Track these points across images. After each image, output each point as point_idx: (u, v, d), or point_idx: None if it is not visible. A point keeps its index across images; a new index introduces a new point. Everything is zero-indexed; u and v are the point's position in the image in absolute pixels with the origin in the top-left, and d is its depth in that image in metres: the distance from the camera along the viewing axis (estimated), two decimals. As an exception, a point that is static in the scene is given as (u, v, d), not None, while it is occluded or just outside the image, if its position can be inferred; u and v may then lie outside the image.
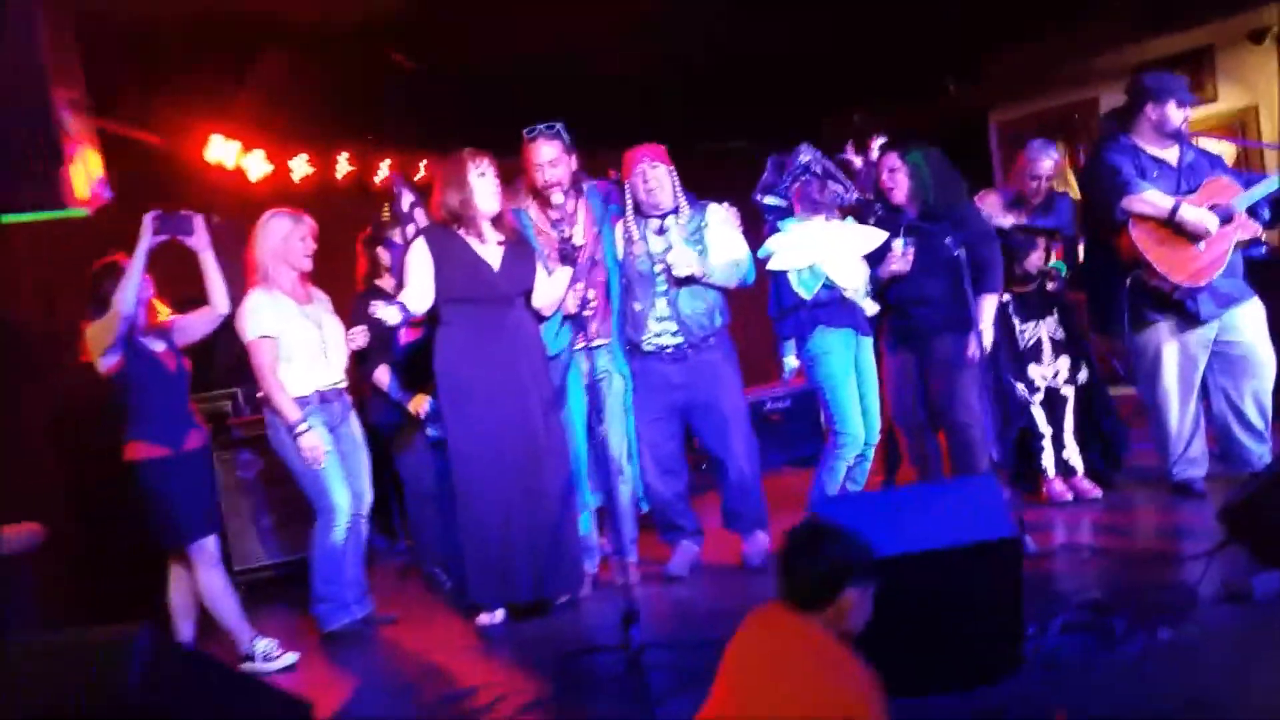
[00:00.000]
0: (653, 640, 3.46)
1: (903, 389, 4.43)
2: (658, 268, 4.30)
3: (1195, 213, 4.27)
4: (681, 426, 4.44)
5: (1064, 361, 4.74)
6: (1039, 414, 4.74)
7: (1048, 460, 4.77)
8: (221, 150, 6.14)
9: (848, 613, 2.22)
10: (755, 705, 2.14)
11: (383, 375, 4.70)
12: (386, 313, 3.92)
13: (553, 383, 4.21)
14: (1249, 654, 2.90)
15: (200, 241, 3.98)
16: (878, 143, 4.65)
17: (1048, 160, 4.78)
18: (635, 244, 4.31)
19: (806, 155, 4.37)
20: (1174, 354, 4.46)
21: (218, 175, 6.14)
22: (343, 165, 6.92)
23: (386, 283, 4.85)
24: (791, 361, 4.33)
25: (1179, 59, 7.64)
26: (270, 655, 4.05)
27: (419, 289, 4.03)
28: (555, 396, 4.20)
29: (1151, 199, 4.30)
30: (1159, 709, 2.64)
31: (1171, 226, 4.30)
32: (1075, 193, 5.18)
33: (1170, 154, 4.43)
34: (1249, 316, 4.40)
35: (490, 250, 4.11)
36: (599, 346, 4.37)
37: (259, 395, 4.27)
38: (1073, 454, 4.76)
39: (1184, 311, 4.38)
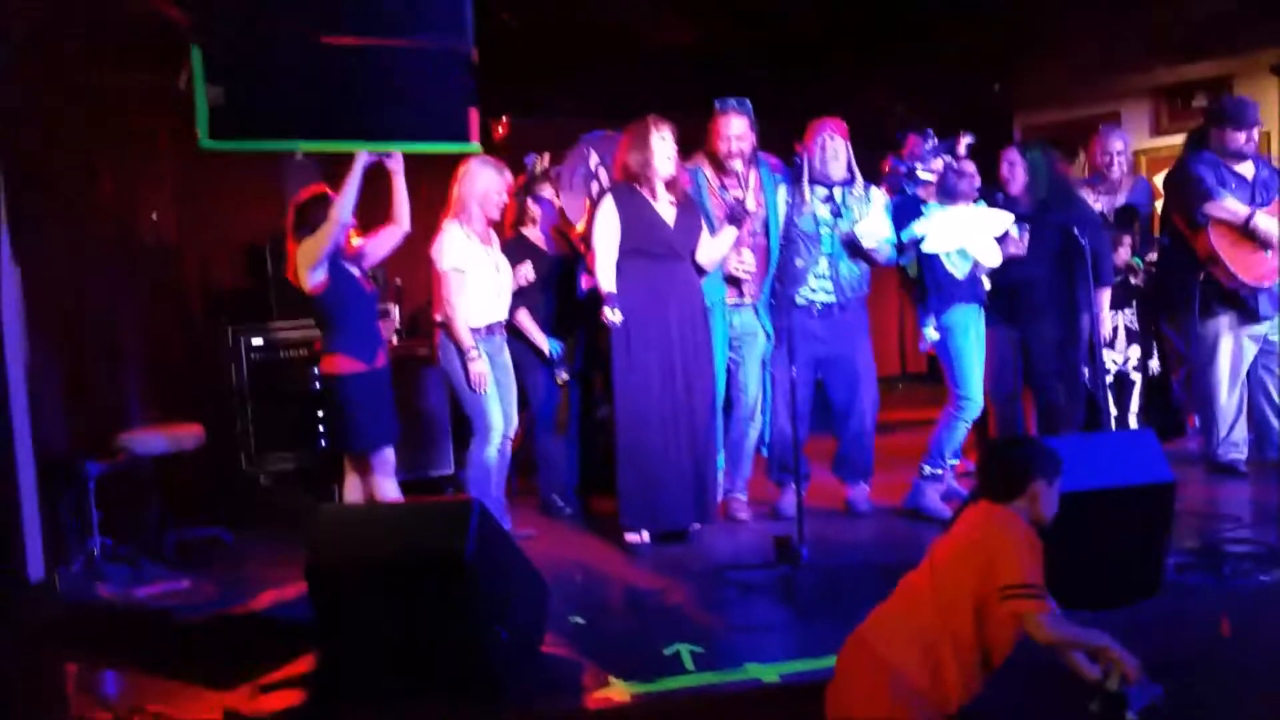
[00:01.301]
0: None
1: (1003, 363, 5.00)
2: (824, 230, 4.78)
3: (1267, 222, 4.90)
4: (815, 377, 4.94)
5: (1135, 350, 5.37)
6: (1107, 396, 5.35)
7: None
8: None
9: (1038, 502, 2.65)
10: (946, 567, 2.58)
11: (523, 318, 5.12)
12: (613, 316, 4.48)
13: (708, 333, 4.68)
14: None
15: (397, 162, 4.33)
16: (965, 140, 5.11)
17: (1118, 140, 5.45)
18: (805, 206, 4.78)
19: (932, 141, 4.86)
20: (1229, 344, 5.10)
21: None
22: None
23: (531, 232, 5.26)
24: (932, 333, 4.81)
25: (1199, 84, 8.37)
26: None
27: (608, 251, 4.49)
28: (709, 345, 4.68)
29: (1230, 206, 4.93)
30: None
31: (1244, 233, 4.93)
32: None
33: (1246, 169, 5.07)
34: None
35: (665, 208, 4.57)
36: (748, 305, 4.87)
37: (437, 319, 4.69)
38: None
39: (1245, 307, 5.03)
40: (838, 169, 4.79)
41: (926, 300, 4.83)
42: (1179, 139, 5.74)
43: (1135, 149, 6.82)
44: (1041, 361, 5.02)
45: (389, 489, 4.44)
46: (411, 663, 2.99)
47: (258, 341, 6.05)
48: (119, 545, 4.55)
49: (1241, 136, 5.03)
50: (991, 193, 4.94)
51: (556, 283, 5.23)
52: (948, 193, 4.78)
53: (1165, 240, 5.27)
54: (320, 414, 4.38)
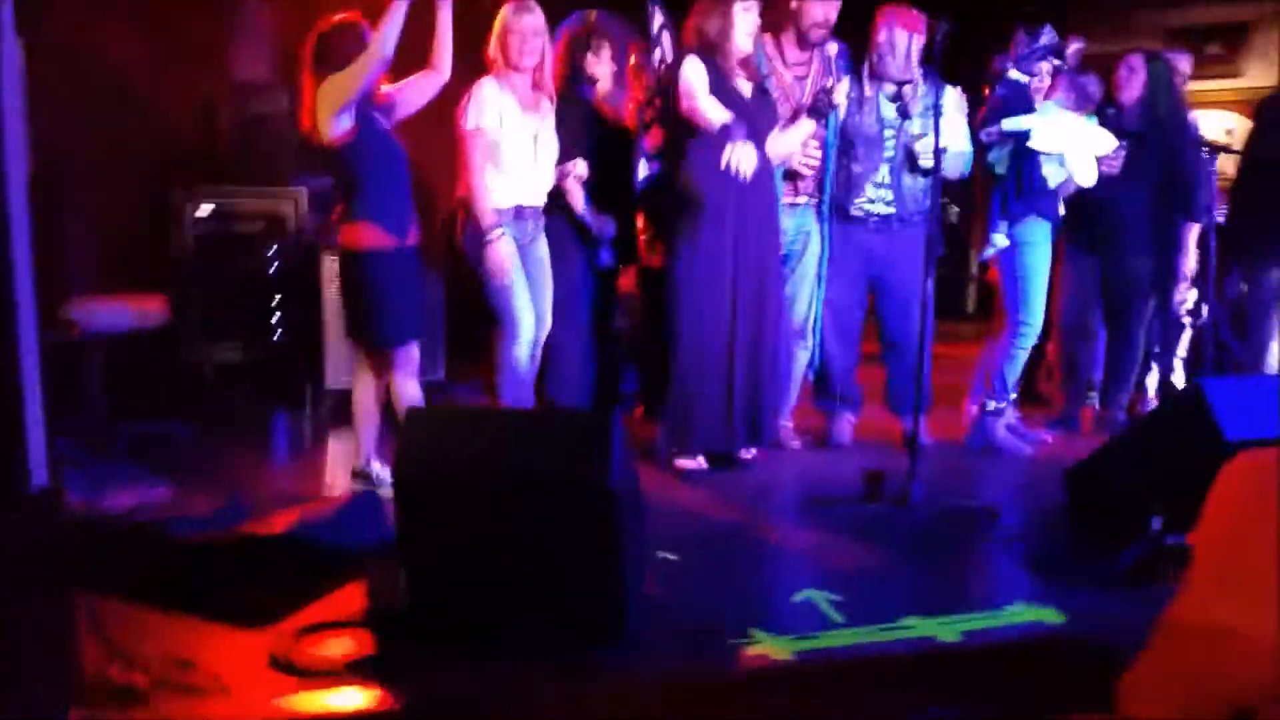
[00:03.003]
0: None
1: (1081, 294, 4.59)
2: (887, 133, 4.23)
3: None
4: (867, 297, 4.44)
5: (1193, 294, 5.01)
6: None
7: (1151, 380, 5.06)
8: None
9: None
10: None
11: (572, 185, 4.38)
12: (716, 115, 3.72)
13: (779, 231, 4.11)
14: None
15: None
16: (1075, 46, 4.66)
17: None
18: (865, 104, 4.21)
19: (1050, 38, 4.35)
20: None
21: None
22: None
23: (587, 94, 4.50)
24: (1002, 239, 4.34)
25: (1214, 29, 8.08)
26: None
27: (709, 99, 3.81)
28: (780, 245, 4.11)
29: None
30: None
31: None
32: None
33: None
34: None
35: (743, 85, 3.94)
36: (806, 205, 4.29)
37: (458, 195, 3.95)
38: (1179, 380, 5.08)
39: None
40: (895, 66, 4.21)
41: (1007, 203, 4.33)
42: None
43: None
44: (1121, 297, 4.61)
45: (411, 391, 3.75)
46: (522, 604, 2.40)
47: (205, 210, 5.23)
48: (64, 440, 3.77)
49: None
50: (1103, 108, 4.47)
51: (607, 165, 4.51)
52: (1073, 98, 4.29)
53: (1248, 179, 4.87)
54: (342, 295, 3.64)
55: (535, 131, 4.00)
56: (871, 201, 4.27)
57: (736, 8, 3.81)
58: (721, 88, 3.85)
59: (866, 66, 4.25)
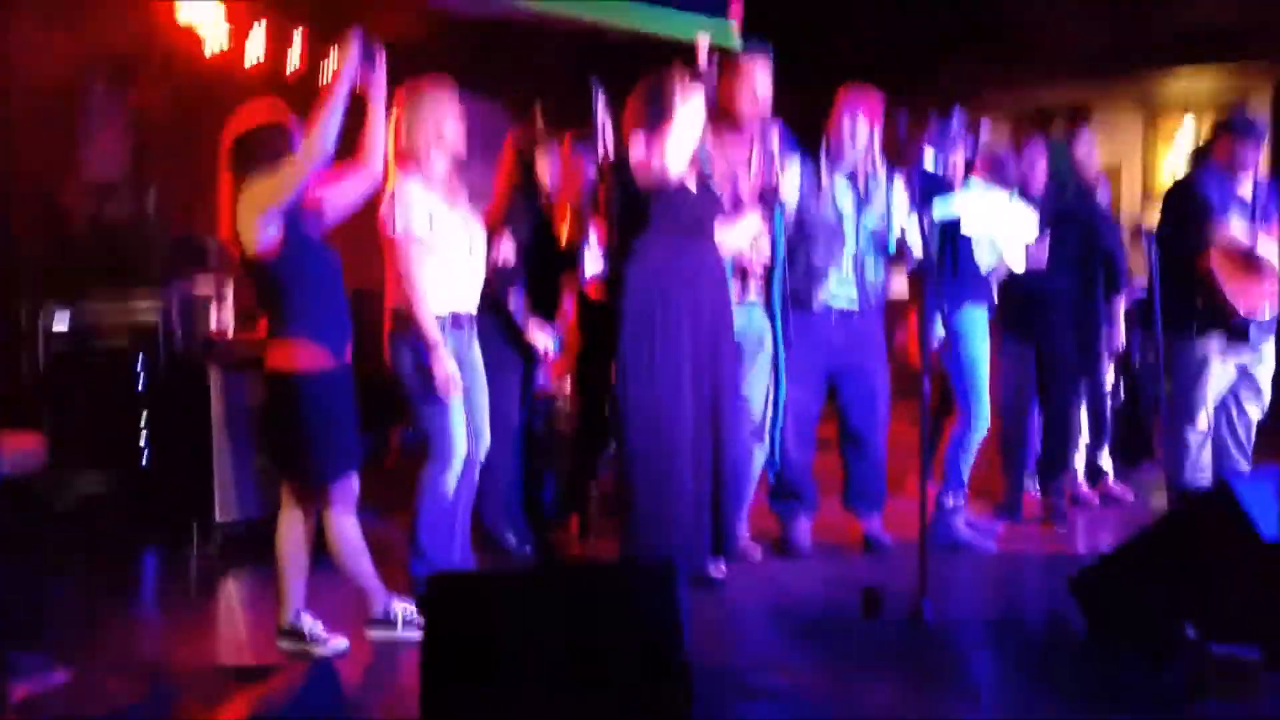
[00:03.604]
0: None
1: (1017, 379, 4.54)
2: (846, 224, 4.09)
3: (1268, 249, 4.73)
4: (825, 392, 4.26)
5: (1109, 372, 5.09)
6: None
7: (1078, 461, 5.08)
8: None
9: None
10: None
11: (515, 300, 4.07)
12: None
13: (732, 330, 3.88)
14: None
15: (380, 82, 3.24)
16: (984, 126, 4.68)
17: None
18: (823, 193, 4.07)
19: (961, 121, 4.33)
20: (1217, 367, 4.89)
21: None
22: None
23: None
24: (941, 331, 4.27)
25: (1059, 111, 8.53)
26: (414, 621, 3.37)
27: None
28: (736, 345, 3.88)
29: (1234, 231, 4.72)
30: None
31: (1244, 260, 4.74)
32: None
33: (1246, 190, 4.88)
34: (1274, 350, 4.96)
35: (689, 179, 3.72)
36: (755, 303, 4.09)
37: (393, 309, 3.55)
38: (1106, 462, 5.12)
39: (1237, 332, 4.84)
40: (854, 153, 4.11)
41: (946, 290, 4.27)
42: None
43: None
44: (1055, 379, 4.60)
45: (349, 529, 3.30)
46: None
47: (60, 322, 4.66)
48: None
49: (1249, 150, 4.84)
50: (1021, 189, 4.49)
51: (542, 257, 4.20)
52: (996, 178, 4.27)
53: (1156, 259, 4.97)
54: (276, 423, 3.15)
55: (466, 228, 3.67)
56: (835, 296, 4.11)
57: (677, 99, 3.60)
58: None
59: (823, 152, 4.11)
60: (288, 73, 5.89)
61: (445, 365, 3.47)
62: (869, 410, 4.23)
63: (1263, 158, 4.86)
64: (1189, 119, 8.29)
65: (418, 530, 3.64)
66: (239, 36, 5.64)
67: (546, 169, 4.15)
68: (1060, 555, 4.26)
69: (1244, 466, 4.88)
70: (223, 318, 4.91)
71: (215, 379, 4.48)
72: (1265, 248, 4.71)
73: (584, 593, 2.05)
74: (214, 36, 5.49)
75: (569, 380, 4.72)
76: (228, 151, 3.14)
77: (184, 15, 5.29)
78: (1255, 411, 4.91)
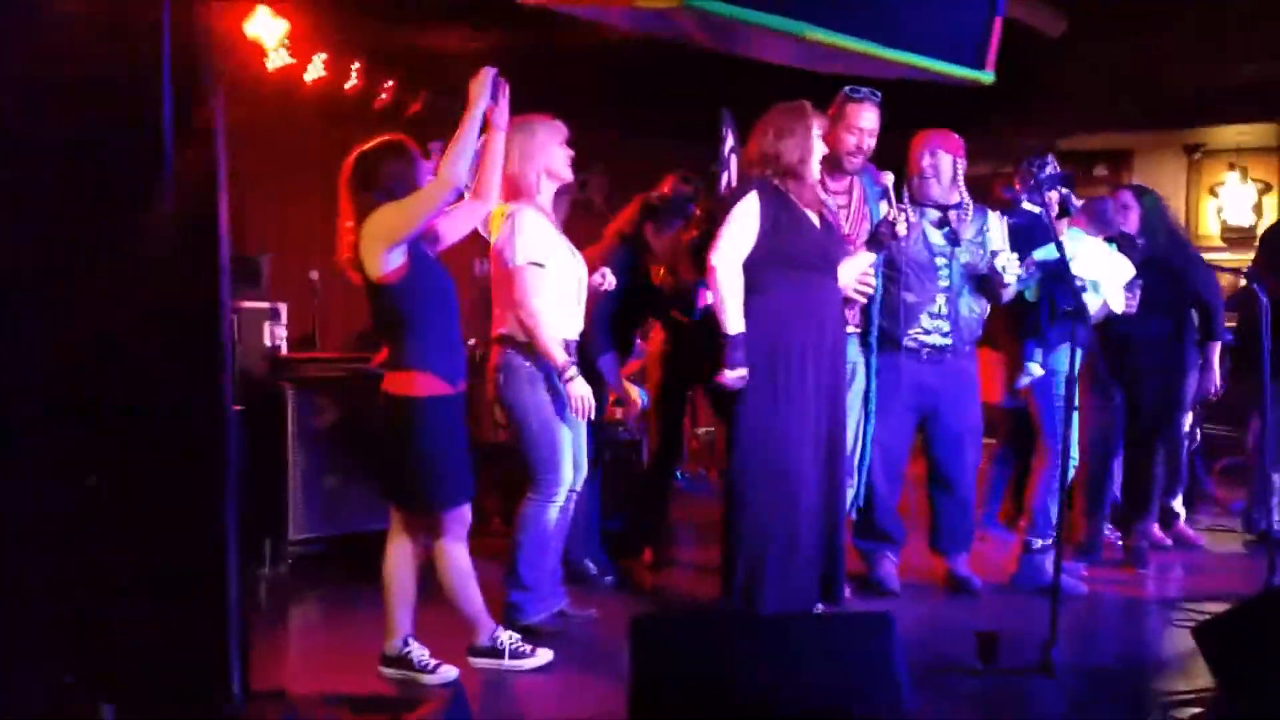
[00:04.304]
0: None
1: (1106, 421, 4.51)
2: (939, 260, 4.07)
3: None
4: (915, 432, 4.21)
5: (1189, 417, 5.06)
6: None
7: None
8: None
9: None
10: None
11: (606, 360, 4.07)
12: (734, 375, 3.47)
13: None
14: None
15: (504, 115, 3.22)
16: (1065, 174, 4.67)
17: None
18: (911, 231, 4.04)
19: (1055, 168, 4.31)
20: None
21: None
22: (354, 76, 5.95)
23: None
24: (1037, 369, 4.23)
25: (1100, 154, 8.58)
26: (521, 651, 3.31)
27: (740, 248, 3.53)
28: (846, 383, 3.83)
29: None
30: None
31: None
32: None
33: None
34: None
35: (813, 215, 3.68)
36: (853, 335, 4.05)
37: (499, 333, 3.51)
38: (1178, 501, 5.08)
39: None
40: (941, 190, 4.10)
41: (1042, 332, 4.24)
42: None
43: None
44: (1144, 422, 4.57)
45: (461, 557, 3.23)
46: None
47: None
48: None
49: None
50: (1130, 238, 4.47)
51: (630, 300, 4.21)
52: (1097, 224, 4.25)
53: (1263, 296, 4.89)
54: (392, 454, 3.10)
55: (575, 260, 3.65)
56: (927, 332, 4.07)
57: (814, 134, 3.57)
58: (790, 217, 3.57)
59: (907, 193, 4.09)
60: (345, 90, 5.88)
61: (579, 384, 3.45)
62: (958, 450, 4.18)
63: None
64: (1232, 175, 8.33)
65: (518, 560, 3.60)
66: (301, 55, 5.62)
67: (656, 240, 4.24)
68: (1152, 599, 4.24)
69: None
70: (276, 336, 4.85)
71: (290, 397, 4.44)
72: None
73: (796, 641, 1.98)
74: (277, 52, 5.46)
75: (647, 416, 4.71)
76: (351, 175, 3.10)
77: (251, 28, 5.26)
78: None
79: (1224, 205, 8.39)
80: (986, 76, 3.46)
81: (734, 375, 3.47)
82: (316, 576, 4.34)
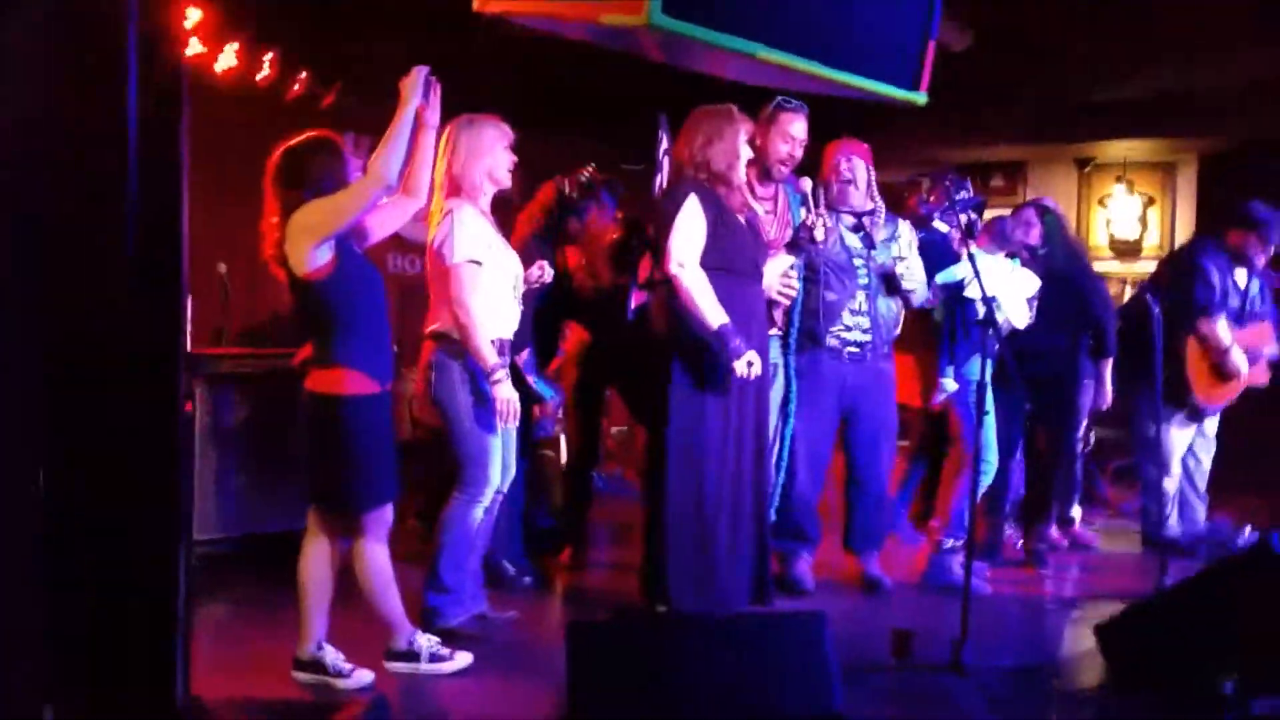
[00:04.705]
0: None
1: (1007, 428, 4.66)
2: (856, 261, 4.17)
3: (1239, 359, 4.89)
4: (837, 430, 4.30)
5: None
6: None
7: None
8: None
9: None
10: None
11: (524, 355, 4.04)
12: (744, 366, 3.45)
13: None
14: None
15: (436, 114, 3.19)
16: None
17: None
18: (830, 234, 4.13)
19: (970, 192, 4.47)
20: (1180, 434, 5.08)
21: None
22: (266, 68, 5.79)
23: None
24: (951, 384, 4.38)
25: (997, 165, 8.89)
26: (439, 655, 3.27)
27: (696, 249, 3.55)
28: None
29: (1220, 331, 4.83)
30: None
31: (1220, 356, 4.88)
32: None
33: (1242, 277, 5.01)
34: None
35: (740, 219, 3.73)
36: (775, 336, 4.11)
37: (432, 329, 3.46)
38: (1075, 507, 5.31)
39: (1193, 412, 5.05)
40: (858, 196, 4.22)
41: (953, 349, 4.39)
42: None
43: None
44: (1044, 429, 4.77)
45: (381, 559, 3.18)
46: None
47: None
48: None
49: (1257, 247, 4.95)
50: (1034, 250, 4.65)
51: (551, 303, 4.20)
52: (997, 242, 4.42)
53: (1155, 307, 5.07)
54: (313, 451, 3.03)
55: (511, 259, 3.63)
56: (849, 329, 4.16)
57: (741, 140, 3.62)
58: (723, 221, 3.63)
59: (824, 199, 4.18)
60: (257, 81, 5.73)
61: (505, 388, 3.41)
62: (875, 449, 4.29)
63: (1266, 257, 5.00)
64: (1120, 188, 8.71)
65: (439, 562, 3.55)
66: (213, 45, 5.45)
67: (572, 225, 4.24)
68: (1053, 598, 4.42)
69: (1201, 511, 5.13)
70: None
71: (198, 394, 4.30)
72: (1238, 357, 4.88)
73: (733, 642, 2.01)
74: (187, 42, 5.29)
75: (563, 416, 4.71)
76: (277, 170, 3.03)
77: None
78: (1207, 459, 5.17)
79: (1112, 217, 8.76)
80: (920, 98, 3.56)
81: (742, 363, 3.47)
82: (225, 578, 4.20)
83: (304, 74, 5.91)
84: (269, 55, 5.74)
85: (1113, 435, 6.19)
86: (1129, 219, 8.75)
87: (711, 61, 3.34)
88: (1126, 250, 8.70)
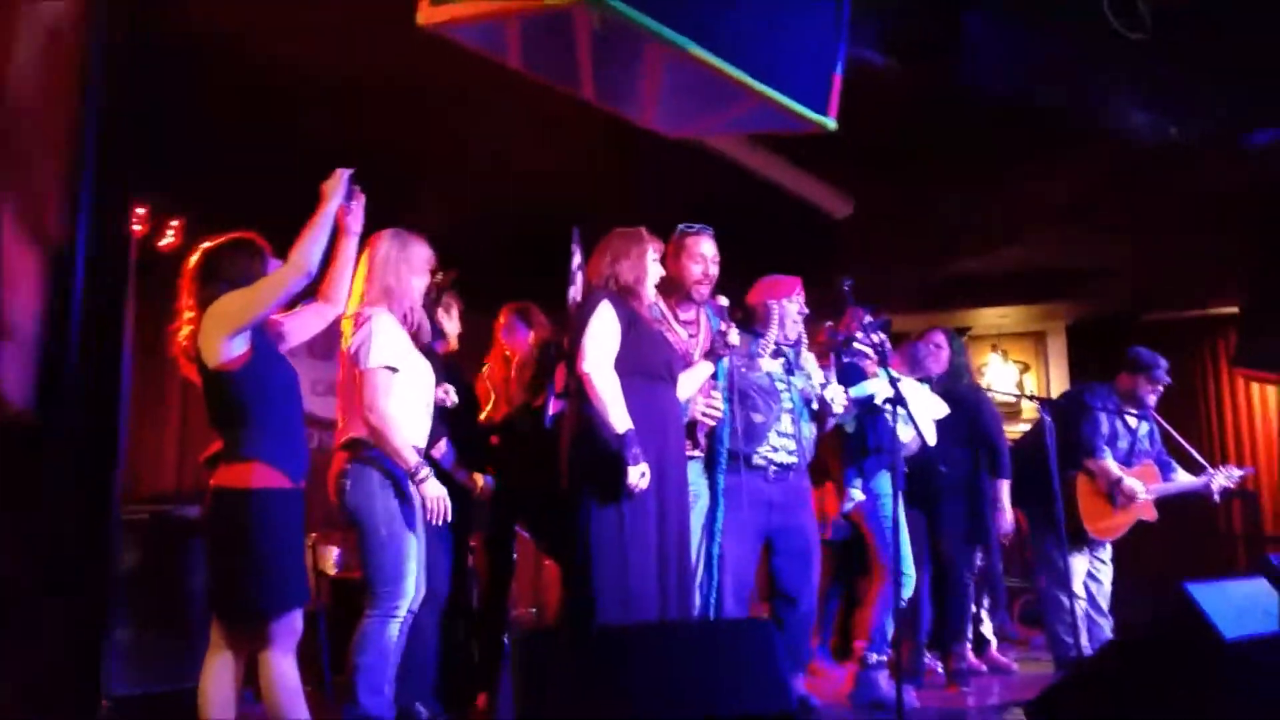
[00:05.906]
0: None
1: (914, 551, 4.73)
2: (779, 385, 4.27)
3: (1133, 484, 5.13)
4: (760, 551, 4.27)
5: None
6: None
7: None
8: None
9: None
10: None
11: (441, 446, 3.98)
12: (636, 476, 3.44)
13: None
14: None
15: (357, 219, 3.27)
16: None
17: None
18: (755, 360, 4.25)
19: (882, 316, 4.69)
20: (1077, 560, 5.21)
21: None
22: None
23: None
24: (858, 494, 4.45)
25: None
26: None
27: (609, 351, 3.62)
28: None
29: (1107, 466, 5.10)
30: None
31: (1110, 489, 5.13)
32: None
33: (1132, 420, 5.30)
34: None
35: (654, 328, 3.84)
36: (698, 458, 4.13)
37: (345, 439, 3.40)
38: (987, 628, 5.33)
39: (1087, 542, 5.23)
40: (795, 329, 4.40)
41: (862, 461, 4.50)
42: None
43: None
44: (949, 548, 4.86)
45: (288, 671, 3.00)
46: None
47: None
48: None
49: (1147, 390, 5.25)
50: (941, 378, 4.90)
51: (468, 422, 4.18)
52: (911, 366, 4.63)
53: (1046, 414, 5.20)
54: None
55: (426, 370, 3.64)
56: (775, 450, 4.18)
57: (649, 259, 3.77)
58: (636, 327, 3.70)
59: (750, 325, 4.32)
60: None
61: (433, 485, 3.32)
62: (804, 564, 4.24)
63: (1156, 397, 5.29)
64: (995, 357, 9.22)
65: (357, 684, 3.33)
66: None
67: (448, 324, 4.35)
68: (981, 707, 4.37)
69: (1108, 629, 5.20)
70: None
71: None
72: (1128, 491, 5.12)
73: (682, 647, 1.95)
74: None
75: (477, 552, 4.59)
76: (195, 267, 3.05)
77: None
78: (1108, 581, 5.29)
79: (991, 384, 9.20)
80: (829, 123, 3.65)
81: (636, 471, 3.44)
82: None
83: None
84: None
85: (1013, 582, 6.34)
86: (1007, 386, 9.20)
87: (639, 101, 3.43)
88: (1008, 414, 9.09)
